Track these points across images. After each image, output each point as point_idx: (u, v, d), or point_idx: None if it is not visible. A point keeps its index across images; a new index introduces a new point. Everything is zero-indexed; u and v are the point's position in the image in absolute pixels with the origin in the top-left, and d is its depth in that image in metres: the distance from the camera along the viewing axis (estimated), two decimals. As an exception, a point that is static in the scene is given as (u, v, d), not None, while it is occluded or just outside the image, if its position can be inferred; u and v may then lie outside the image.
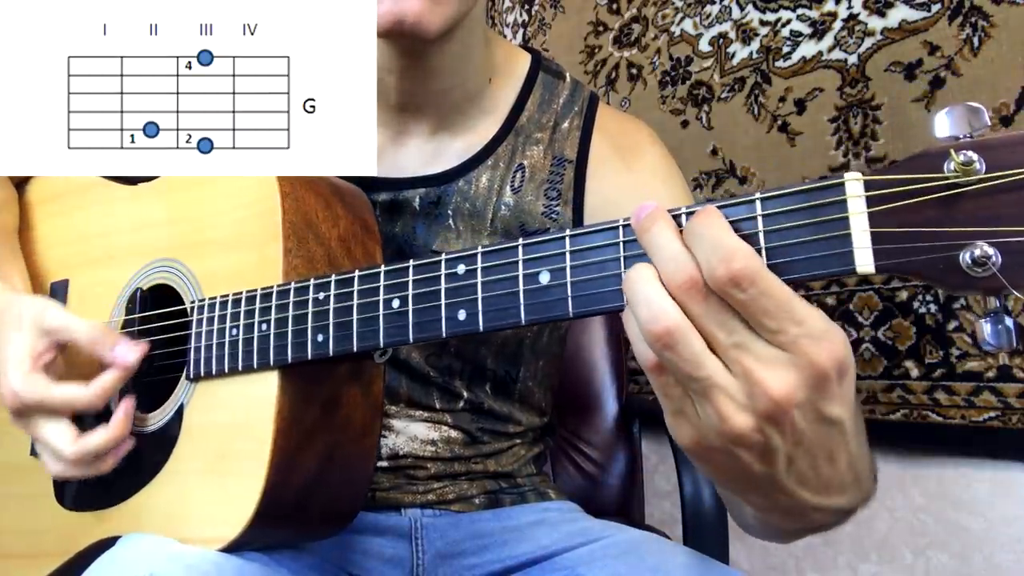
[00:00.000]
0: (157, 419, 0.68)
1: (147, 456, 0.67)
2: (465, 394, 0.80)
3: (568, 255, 0.47)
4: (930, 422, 1.14)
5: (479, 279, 0.50)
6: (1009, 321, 0.38)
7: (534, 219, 0.78)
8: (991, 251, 0.36)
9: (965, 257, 0.36)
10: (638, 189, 0.78)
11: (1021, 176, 0.36)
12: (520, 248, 0.49)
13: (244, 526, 0.58)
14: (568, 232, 0.47)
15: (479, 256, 0.51)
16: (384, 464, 0.77)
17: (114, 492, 0.68)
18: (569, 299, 0.46)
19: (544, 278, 0.47)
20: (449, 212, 0.77)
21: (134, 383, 0.70)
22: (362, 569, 0.74)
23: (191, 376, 0.65)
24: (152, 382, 0.70)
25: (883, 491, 1.24)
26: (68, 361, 0.69)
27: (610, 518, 0.83)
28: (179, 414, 0.66)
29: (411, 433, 0.78)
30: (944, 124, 0.38)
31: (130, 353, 0.65)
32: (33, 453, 0.76)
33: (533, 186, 0.78)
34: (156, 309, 0.71)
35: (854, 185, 0.39)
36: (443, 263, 0.52)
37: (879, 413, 1.18)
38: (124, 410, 0.66)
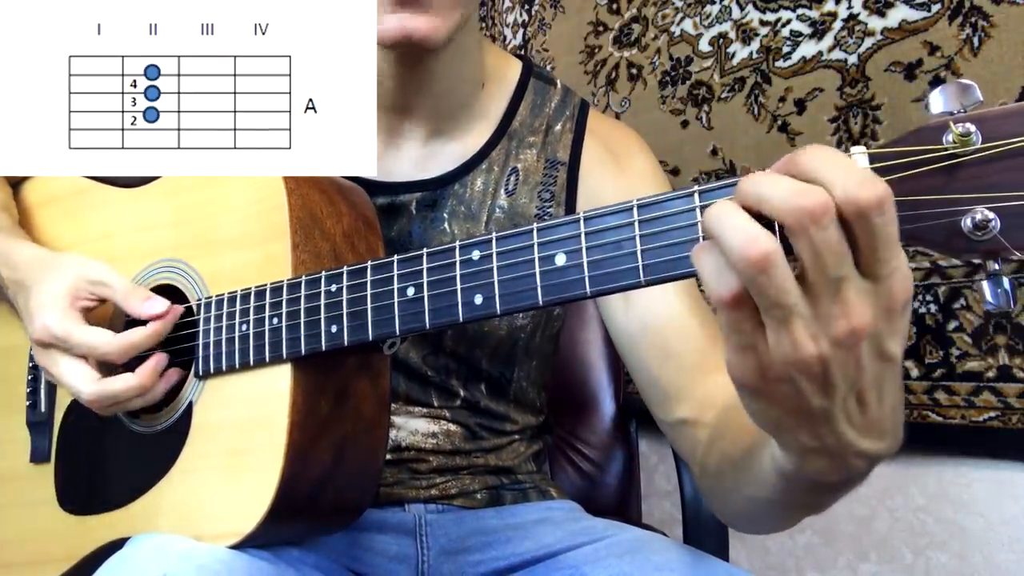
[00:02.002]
0: (164, 418, 0.68)
1: (155, 456, 0.67)
2: (462, 393, 0.81)
3: (583, 236, 0.48)
4: (930, 422, 1.14)
5: (495, 263, 0.51)
6: (1007, 283, 0.40)
7: (528, 221, 0.79)
8: (991, 215, 0.38)
9: (967, 222, 0.39)
10: (629, 192, 0.79)
11: (1015, 145, 0.38)
12: (535, 232, 0.50)
13: (260, 520, 0.58)
14: (582, 214, 0.48)
15: (494, 241, 0.52)
16: (387, 457, 0.77)
17: (120, 494, 0.68)
18: (586, 278, 0.48)
19: (560, 260, 0.49)
20: (444, 215, 0.78)
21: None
22: (369, 567, 0.74)
23: (200, 373, 0.65)
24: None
25: (883, 491, 1.24)
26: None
27: (608, 518, 0.83)
28: (188, 412, 0.66)
29: (412, 427, 0.79)
30: (938, 101, 0.40)
31: (158, 304, 0.66)
32: (32, 460, 0.76)
33: (527, 188, 0.80)
34: None
35: (860, 159, 0.41)
36: (457, 250, 0.53)
37: (879, 413, 1.18)
38: (155, 362, 0.66)
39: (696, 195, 0.44)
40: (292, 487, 0.59)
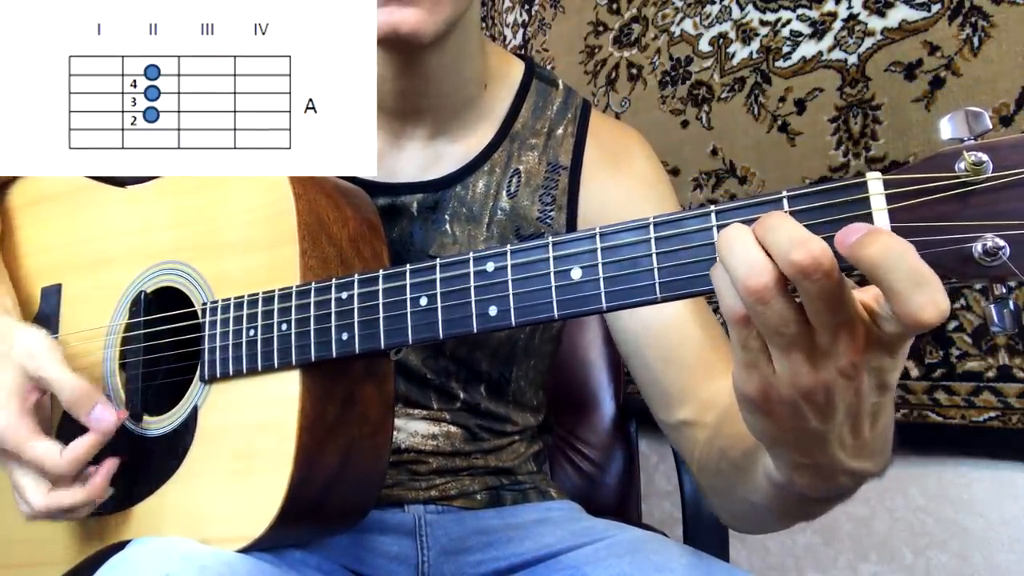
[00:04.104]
0: (168, 422, 0.67)
1: (159, 459, 0.67)
2: (461, 395, 0.80)
3: (599, 251, 0.48)
4: (930, 422, 1.14)
5: (510, 276, 0.52)
6: (1012, 305, 0.41)
7: (529, 224, 0.79)
8: (1001, 243, 0.39)
9: (977, 248, 0.39)
10: (630, 196, 0.80)
11: None
12: (550, 246, 0.50)
13: (269, 523, 0.59)
14: (598, 229, 0.49)
15: (508, 254, 0.52)
16: None
17: (122, 497, 0.67)
18: (602, 293, 0.48)
19: (576, 274, 0.49)
20: (446, 217, 0.78)
21: (143, 389, 0.70)
22: (370, 568, 0.74)
23: (205, 378, 0.65)
24: (160, 385, 0.70)
25: (883, 491, 1.24)
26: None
27: (608, 518, 0.83)
28: (193, 415, 0.65)
29: (412, 429, 0.79)
30: (947, 128, 0.41)
31: (107, 418, 0.64)
32: None
33: (529, 191, 0.80)
34: (161, 312, 0.70)
35: (875, 184, 0.42)
36: (471, 261, 0.54)
37: (879, 413, 1.18)
38: (105, 471, 0.65)
39: (713, 215, 0.45)
40: (301, 491, 0.59)
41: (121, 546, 0.62)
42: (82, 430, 0.65)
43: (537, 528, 0.78)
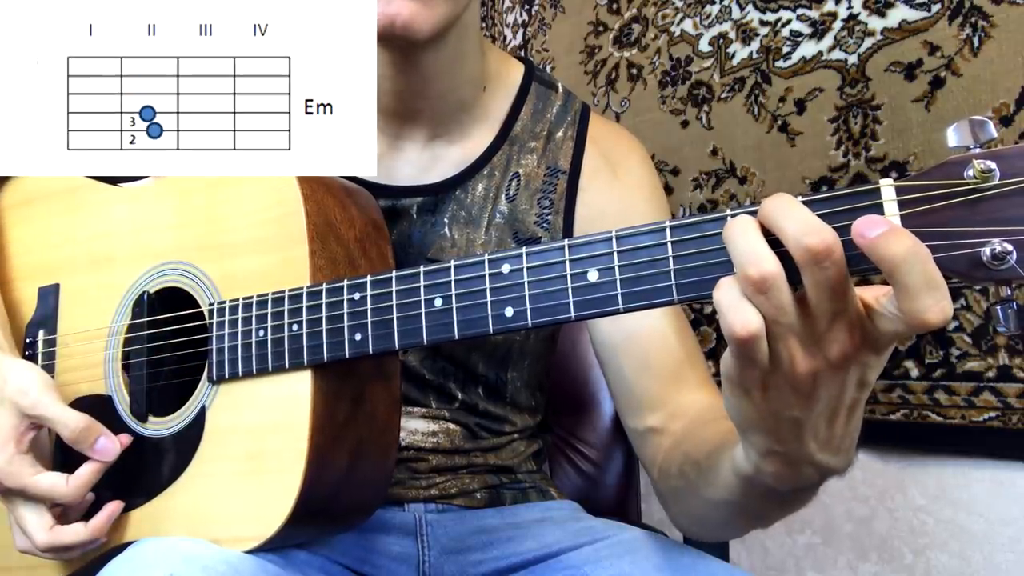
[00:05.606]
0: (174, 423, 0.67)
1: (165, 460, 0.67)
2: (460, 396, 0.81)
3: (616, 255, 0.49)
4: (930, 422, 1.14)
5: (526, 278, 0.53)
6: (1016, 306, 0.43)
7: (527, 227, 0.79)
8: (1009, 247, 0.41)
9: (986, 252, 0.41)
10: (624, 202, 0.80)
11: None
12: (566, 248, 0.51)
13: (282, 523, 0.59)
14: (614, 233, 0.50)
15: (524, 256, 0.53)
16: None
17: (127, 499, 0.68)
18: (619, 295, 0.49)
19: (592, 276, 0.50)
20: (445, 220, 0.78)
21: (147, 391, 0.70)
22: (373, 568, 0.74)
23: (213, 378, 0.65)
24: (162, 386, 0.70)
25: (883, 491, 1.24)
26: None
27: (608, 518, 0.83)
28: (200, 416, 0.65)
29: (411, 427, 0.79)
30: (953, 137, 0.43)
31: (111, 449, 0.66)
32: None
33: (527, 194, 0.80)
34: (165, 313, 0.70)
35: (888, 191, 0.43)
36: (486, 263, 0.54)
37: (879, 413, 1.18)
38: (107, 513, 0.66)
39: (729, 219, 0.46)
40: (313, 491, 0.60)
41: (123, 548, 0.62)
42: (80, 453, 0.66)
43: (537, 528, 0.78)
